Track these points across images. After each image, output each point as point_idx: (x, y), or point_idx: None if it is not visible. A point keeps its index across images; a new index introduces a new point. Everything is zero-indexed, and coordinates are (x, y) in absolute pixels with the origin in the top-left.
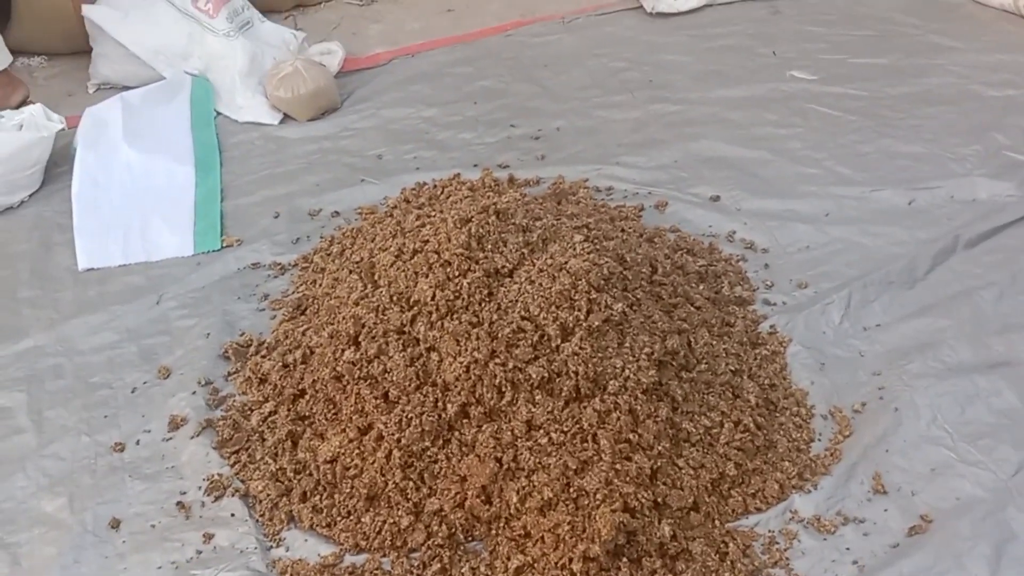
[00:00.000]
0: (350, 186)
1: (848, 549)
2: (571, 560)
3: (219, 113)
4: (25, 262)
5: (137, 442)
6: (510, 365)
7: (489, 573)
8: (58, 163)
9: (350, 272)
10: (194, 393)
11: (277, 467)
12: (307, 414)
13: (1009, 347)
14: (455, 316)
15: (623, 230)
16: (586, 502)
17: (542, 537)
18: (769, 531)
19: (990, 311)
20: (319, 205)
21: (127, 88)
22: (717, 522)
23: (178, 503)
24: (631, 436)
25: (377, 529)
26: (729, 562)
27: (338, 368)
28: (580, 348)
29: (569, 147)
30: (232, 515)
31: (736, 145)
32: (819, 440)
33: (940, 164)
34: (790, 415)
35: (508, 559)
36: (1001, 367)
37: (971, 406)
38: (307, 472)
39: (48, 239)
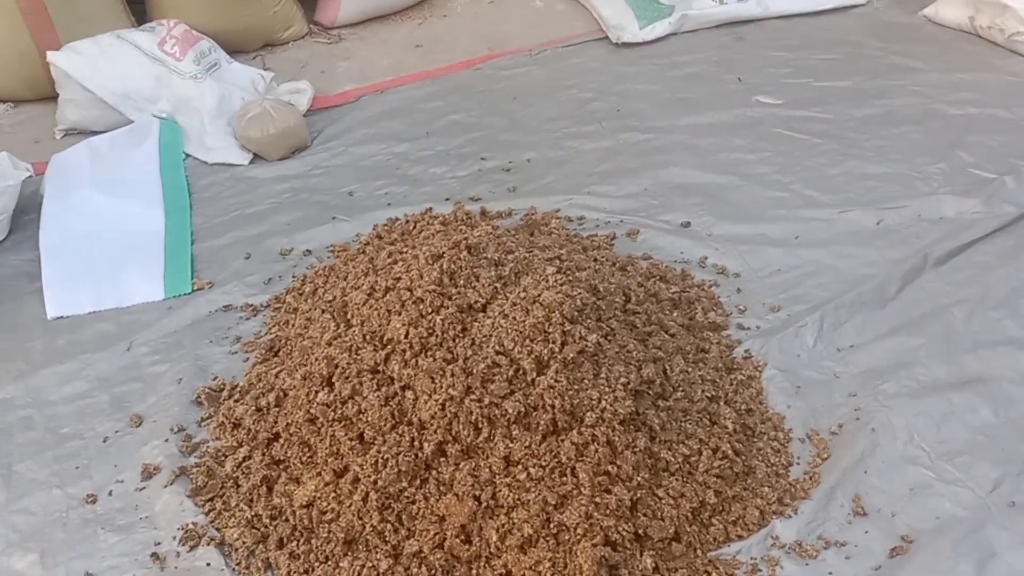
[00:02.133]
0: (321, 224)
1: (831, 574)
2: None
3: (188, 155)
4: None
5: (110, 493)
6: (486, 401)
7: None
8: (26, 210)
9: (322, 312)
10: (167, 440)
11: (252, 513)
12: (282, 458)
13: (982, 363)
14: (429, 353)
15: (595, 260)
16: (567, 537)
17: (523, 575)
18: (751, 559)
19: (962, 328)
20: (291, 244)
21: (95, 133)
22: (699, 551)
23: (153, 554)
24: (610, 468)
25: (356, 574)
26: None
27: (312, 410)
28: (556, 381)
29: (540, 178)
30: (208, 564)
31: (705, 171)
32: (798, 464)
33: (907, 183)
34: (768, 440)
35: None
36: (975, 384)
37: (947, 424)
38: (283, 518)
39: (17, 288)
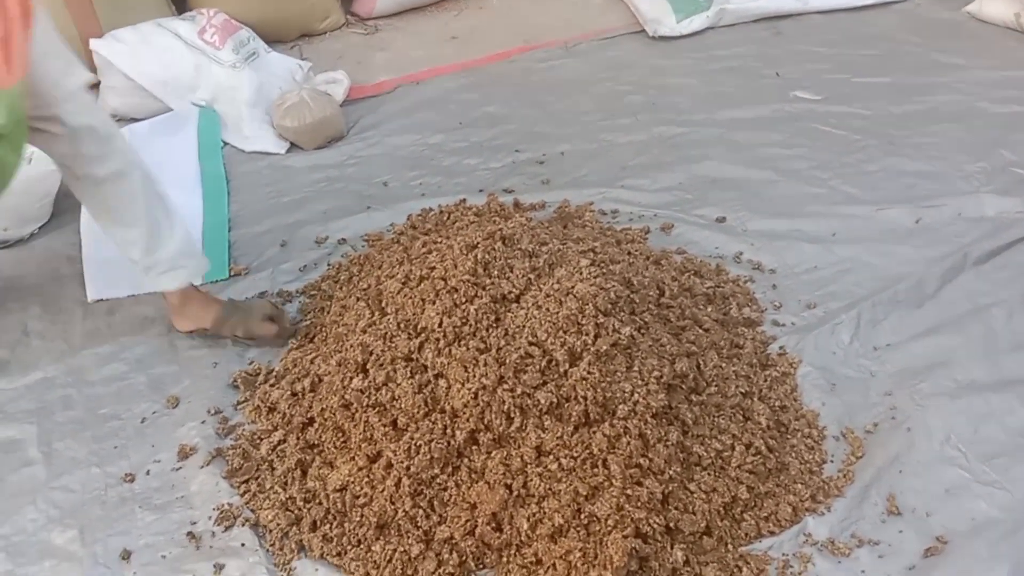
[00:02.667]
0: (356, 213)
1: (863, 572)
2: None
3: (226, 143)
4: (35, 294)
5: (147, 472)
6: (518, 391)
7: None
8: (68, 194)
9: (357, 300)
10: (203, 422)
11: (287, 496)
12: (316, 442)
13: (1022, 364)
14: (462, 342)
15: (629, 253)
16: (597, 528)
17: (554, 564)
18: (783, 555)
19: (1001, 328)
20: (326, 233)
21: (135, 120)
22: (730, 546)
23: (188, 533)
24: (641, 461)
25: (388, 558)
26: None
27: (346, 396)
28: (588, 373)
29: (574, 171)
30: (242, 545)
31: (741, 166)
32: (831, 462)
33: (947, 182)
34: (801, 437)
35: None
36: (1014, 385)
37: (984, 425)
38: (317, 501)
39: (58, 271)
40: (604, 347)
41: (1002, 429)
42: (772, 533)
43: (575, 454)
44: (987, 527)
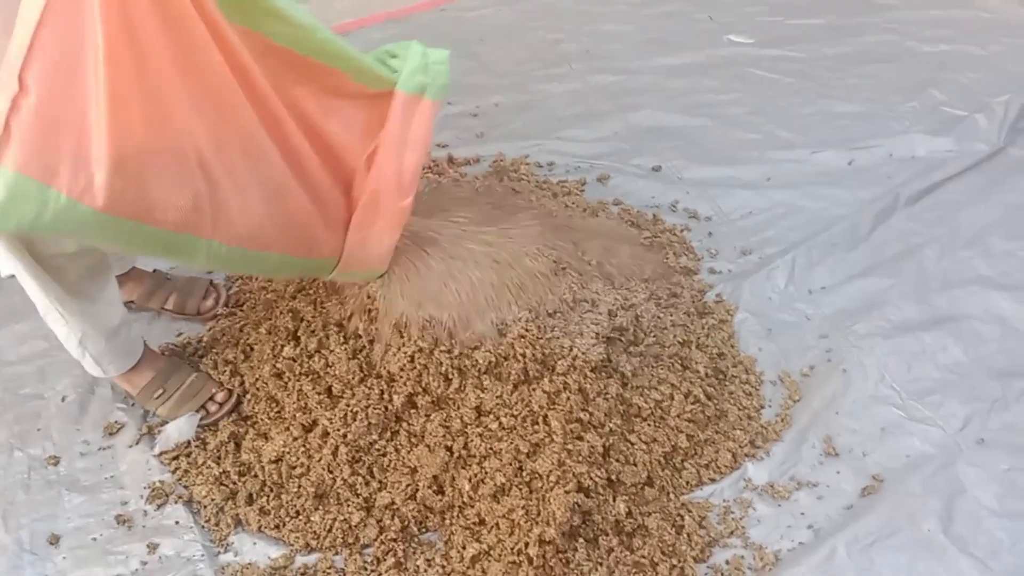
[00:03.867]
0: None
1: (803, 514)
2: (527, 544)
3: None
4: None
5: (73, 453)
6: (456, 352)
7: (445, 564)
8: None
9: None
10: (130, 400)
11: (220, 471)
12: (249, 414)
13: (952, 303)
14: None
15: (566, 206)
16: (540, 485)
17: (497, 523)
18: (724, 501)
19: (932, 268)
20: None
21: None
22: (672, 496)
23: (119, 515)
24: (582, 415)
25: (328, 527)
26: (686, 535)
27: (278, 365)
28: (526, 330)
29: (508, 123)
30: (176, 523)
31: (677, 113)
32: (769, 406)
33: (879, 123)
34: (739, 383)
35: (463, 548)
36: (946, 323)
37: (918, 363)
38: (252, 474)
39: None
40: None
41: (934, 366)
42: (713, 480)
43: (515, 412)
44: (921, 463)
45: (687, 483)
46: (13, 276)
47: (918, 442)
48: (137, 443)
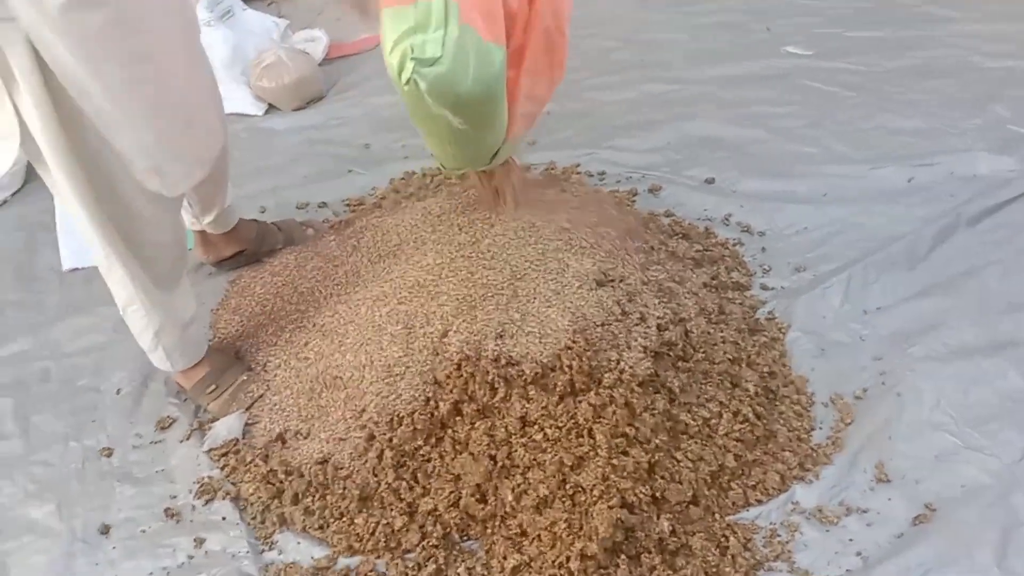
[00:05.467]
0: (338, 177)
1: (851, 540)
2: (568, 558)
3: None
4: (8, 263)
5: (126, 446)
6: (503, 361)
7: (485, 573)
8: None
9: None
10: (182, 395)
11: (268, 469)
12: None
13: (1014, 327)
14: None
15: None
16: (583, 498)
17: (539, 535)
18: (771, 524)
19: (994, 290)
20: (306, 197)
21: None
22: (717, 515)
23: (167, 508)
24: (627, 430)
25: (371, 530)
26: (730, 556)
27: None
28: (573, 341)
29: (560, 131)
30: (223, 519)
31: (731, 125)
32: (820, 428)
33: (940, 139)
34: (790, 403)
35: (504, 558)
36: (1006, 348)
37: (975, 389)
38: (298, 473)
39: (32, 239)
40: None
41: (993, 393)
42: (760, 502)
43: (560, 424)
44: (977, 494)
45: (733, 504)
46: (75, 269)
47: (974, 471)
48: (188, 438)
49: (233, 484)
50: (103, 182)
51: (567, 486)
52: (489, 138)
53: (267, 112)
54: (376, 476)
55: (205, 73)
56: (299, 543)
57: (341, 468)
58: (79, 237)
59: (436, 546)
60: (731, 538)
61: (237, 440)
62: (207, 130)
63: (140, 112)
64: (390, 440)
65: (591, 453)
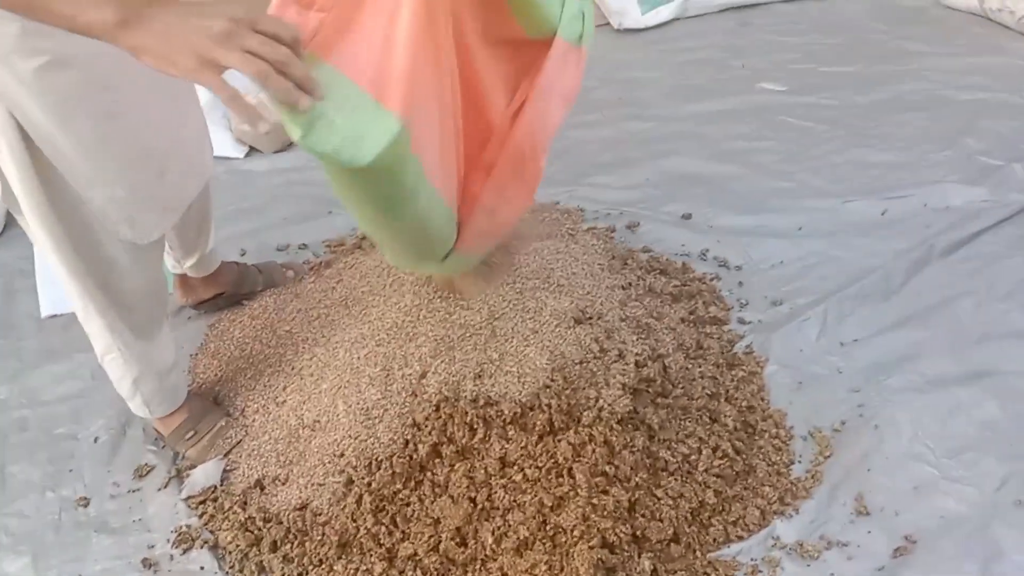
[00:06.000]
0: (318, 218)
1: (832, 574)
2: None
3: None
4: None
5: (103, 495)
6: (481, 401)
7: None
8: None
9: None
10: (160, 442)
11: (246, 516)
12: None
13: (989, 357)
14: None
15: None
16: (563, 539)
17: None
18: (752, 560)
19: (968, 320)
20: (287, 239)
21: None
22: (698, 553)
23: (145, 558)
24: (607, 468)
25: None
26: None
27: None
28: (552, 380)
29: None
30: (201, 568)
31: (708, 160)
32: (799, 462)
33: (913, 171)
34: (769, 438)
35: None
36: (982, 378)
37: (953, 419)
38: (277, 520)
39: (10, 285)
40: (572, 358)
41: (969, 423)
42: (740, 538)
43: (540, 464)
44: (956, 524)
45: (714, 540)
46: (53, 316)
47: (953, 502)
48: (166, 486)
49: (211, 532)
50: (81, 233)
51: (547, 527)
52: (418, 236)
53: (248, 155)
54: (355, 521)
55: (186, 117)
56: None
57: (320, 514)
58: (58, 284)
59: None
60: (712, 575)
61: (215, 487)
62: (183, 175)
63: (112, 167)
64: (368, 484)
65: (571, 493)
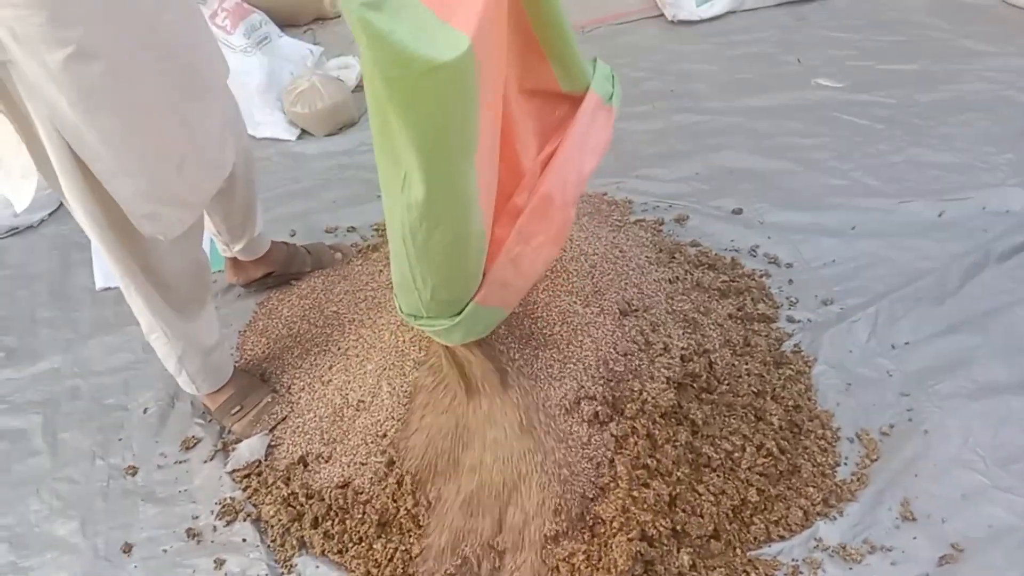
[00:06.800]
0: (367, 202)
1: None
2: None
3: None
4: (44, 282)
5: (151, 465)
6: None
7: None
8: None
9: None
10: (207, 415)
11: (289, 491)
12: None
13: None
14: None
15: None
16: (602, 530)
17: (557, 567)
18: (792, 560)
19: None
20: (335, 222)
21: None
22: (738, 551)
23: (189, 528)
24: (649, 461)
25: (389, 556)
26: None
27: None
28: (597, 371)
29: None
30: (244, 540)
31: (760, 156)
32: (845, 464)
33: (972, 174)
34: (815, 438)
35: None
36: None
37: (1004, 428)
38: (319, 497)
39: (67, 259)
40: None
41: (1022, 432)
42: (782, 537)
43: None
44: (1004, 535)
45: (755, 539)
46: (108, 288)
47: (1002, 512)
48: (211, 459)
49: (254, 506)
50: (120, 217)
51: (587, 517)
52: (457, 240)
53: (300, 137)
54: (395, 502)
55: (209, 112)
56: (318, 567)
57: (361, 493)
58: None
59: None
60: (752, 574)
61: (260, 462)
62: (201, 170)
63: (134, 159)
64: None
65: (611, 484)
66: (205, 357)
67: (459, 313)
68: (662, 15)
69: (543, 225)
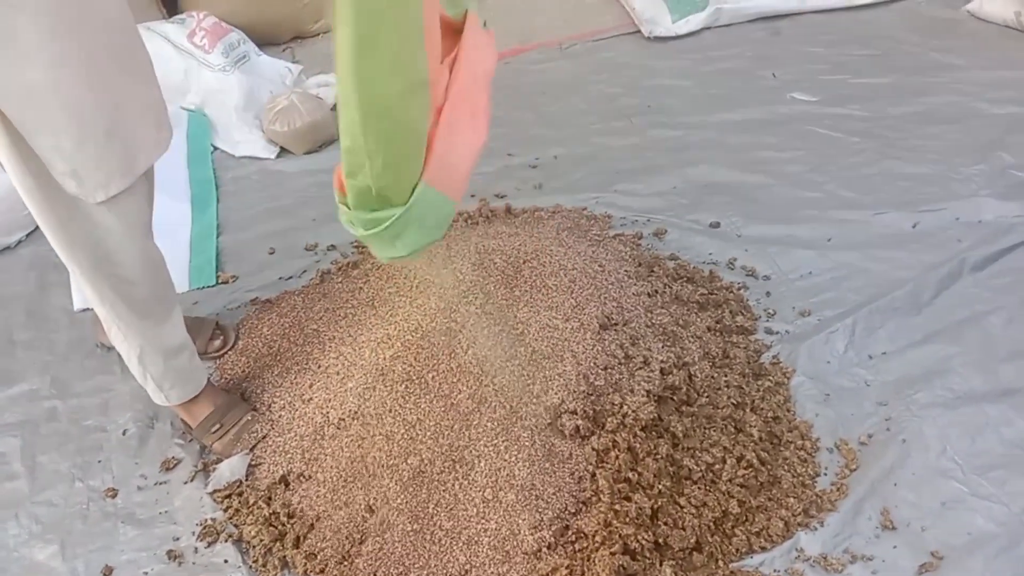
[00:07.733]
0: None
1: None
2: None
3: (216, 148)
4: (21, 303)
5: (130, 487)
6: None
7: None
8: None
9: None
10: (187, 435)
11: (270, 511)
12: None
13: (1020, 374)
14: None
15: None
16: (584, 545)
17: None
18: (774, 571)
19: (999, 336)
20: (315, 239)
21: None
22: (721, 563)
23: (170, 550)
24: (630, 475)
25: (372, 574)
26: None
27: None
28: (576, 384)
29: (567, 175)
30: (225, 561)
31: (736, 170)
32: (825, 474)
33: (944, 185)
34: (794, 449)
35: None
36: (1012, 395)
37: (981, 436)
38: (300, 516)
39: (44, 279)
40: (597, 363)
41: (999, 441)
42: (764, 549)
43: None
44: (984, 542)
45: (737, 550)
46: (85, 309)
47: (981, 520)
48: (192, 479)
49: (236, 526)
50: (57, 192)
51: (568, 532)
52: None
53: (279, 155)
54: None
55: (140, 87)
56: None
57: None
58: None
59: None
60: None
61: (240, 482)
62: (132, 144)
63: (59, 117)
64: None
65: (593, 498)
66: (167, 360)
67: (409, 197)
68: (639, 31)
69: (468, 105)
